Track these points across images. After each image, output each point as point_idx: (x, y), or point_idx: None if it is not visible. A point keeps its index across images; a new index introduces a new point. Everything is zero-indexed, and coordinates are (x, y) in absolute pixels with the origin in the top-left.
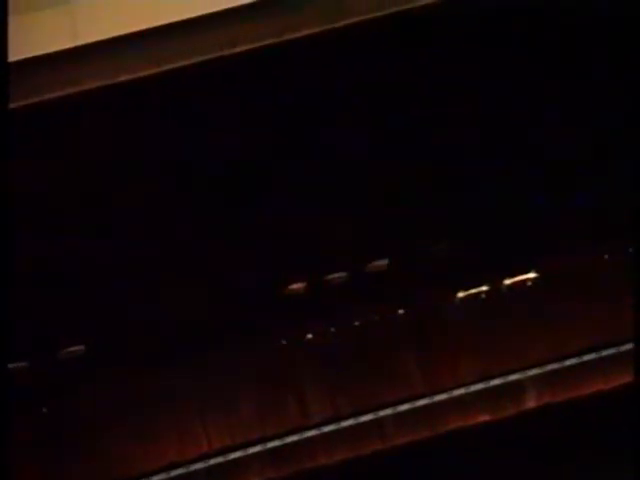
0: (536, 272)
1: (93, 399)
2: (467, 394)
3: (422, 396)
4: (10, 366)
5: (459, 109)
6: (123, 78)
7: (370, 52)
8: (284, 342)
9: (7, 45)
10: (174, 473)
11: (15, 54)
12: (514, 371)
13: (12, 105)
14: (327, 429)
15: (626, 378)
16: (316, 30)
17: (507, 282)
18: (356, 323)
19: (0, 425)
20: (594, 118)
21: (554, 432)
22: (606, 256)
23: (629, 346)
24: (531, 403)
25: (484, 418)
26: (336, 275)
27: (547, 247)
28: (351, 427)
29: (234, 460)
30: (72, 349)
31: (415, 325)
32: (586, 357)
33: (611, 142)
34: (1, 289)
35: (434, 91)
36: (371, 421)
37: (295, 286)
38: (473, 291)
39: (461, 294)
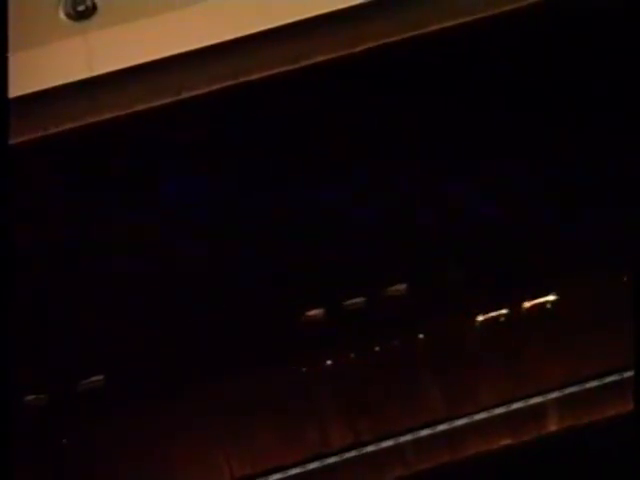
0: (556, 294)
1: (113, 430)
2: (488, 418)
3: (443, 421)
4: (29, 398)
5: (478, 129)
6: (139, 107)
7: (389, 78)
8: (303, 369)
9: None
10: None
11: (30, 86)
12: (535, 394)
13: (27, 137)
14: (348, 455)
15: None
16: (332, 56)
17: (527, 305)
18: (376, 349)
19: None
20: (613, 137)
21: (576, 455)
22: (625, 278)
23: None
24: (553, 426)
25: (506, 442)
26: (354, 301)
27: (566, 269)
28: (372, 453)
29: None
30: (91, 379)
31: (435, 349)
32: (608, 379)
33: (629, 159)
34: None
35: (454, 116)
36: (392, 447)
37: (313, 312)
38: (493, 314)
39: (480, 318)
